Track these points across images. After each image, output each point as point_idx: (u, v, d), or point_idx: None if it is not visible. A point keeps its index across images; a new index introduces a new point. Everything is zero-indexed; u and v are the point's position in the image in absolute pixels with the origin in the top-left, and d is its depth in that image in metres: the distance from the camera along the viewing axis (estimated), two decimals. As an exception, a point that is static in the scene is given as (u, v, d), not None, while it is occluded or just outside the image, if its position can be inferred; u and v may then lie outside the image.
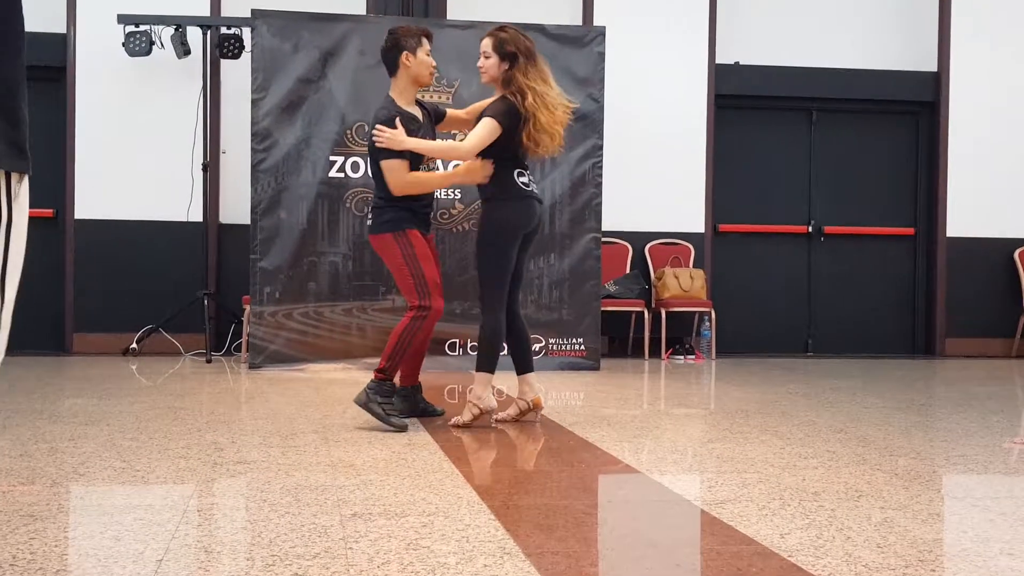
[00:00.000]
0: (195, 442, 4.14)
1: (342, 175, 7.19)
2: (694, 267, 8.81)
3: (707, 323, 8.60)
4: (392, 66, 4.66)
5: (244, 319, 7.64)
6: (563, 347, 7.43)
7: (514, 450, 4.12)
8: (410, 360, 4.75)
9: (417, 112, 4.75)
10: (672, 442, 4.47)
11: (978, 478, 3.75)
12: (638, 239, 8.91)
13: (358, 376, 6.72)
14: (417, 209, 4.66)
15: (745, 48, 9.19)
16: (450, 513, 2.99)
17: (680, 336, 8.75)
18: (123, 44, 7.98)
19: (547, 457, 4.05)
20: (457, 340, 7.30)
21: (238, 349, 8.02)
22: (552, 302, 7.44)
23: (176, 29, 7.98)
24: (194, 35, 8.07)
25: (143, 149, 8.31)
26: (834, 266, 9.48)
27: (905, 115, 9.59)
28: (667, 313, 8.52)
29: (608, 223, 8.12)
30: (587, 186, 7.48)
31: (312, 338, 7.16)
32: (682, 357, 8.53)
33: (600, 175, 7.50)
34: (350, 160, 7.21)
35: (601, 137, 7.51)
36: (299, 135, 7.15)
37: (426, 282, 4.52)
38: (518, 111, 4.48)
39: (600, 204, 7.52)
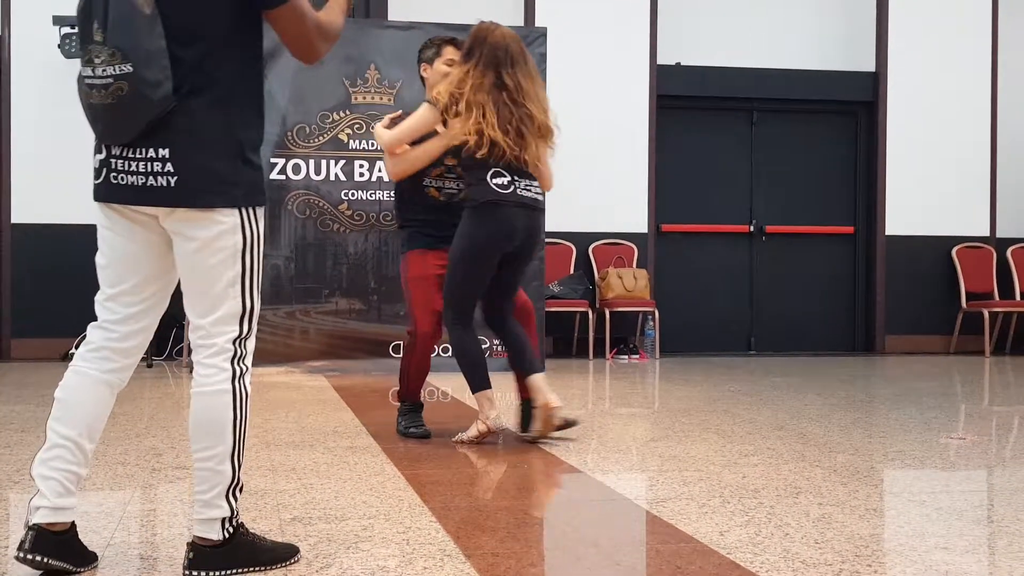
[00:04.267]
0: (133, 448, 4.07)
1: (283, 177, 7.13)
2: (637, 267, 8.86)
3: (651, 323, 8.65)
4: (420, 79, 4.66)
5: (185, 323, 7.53)
6: (508, 348, 7.42)
7: (456, 452, 4.11)
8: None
9: None
10: (615, 441, 4.49)
11: (915, 473, 3.82)
12: (582, 240, 8.94)
13: (301, 379, 6.67)
14: (425, 227, 4.43)
15: (686, 49, 9.26)
16: (391, 516, 2.97)
17: (624, 336, 8.79)
18: (59, 46, 7.82)
19: (490, 458, 4.05)
20: (401, 342, 7.25)
21: (179, 354, 7.90)
22: (497, 303, 7.42)
23: (113, 29, 7.83)
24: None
25: (81, 152, 8.04)
26: (775, 265, 9.59)
27: (844, 115, 9.73)
28: (611, 313, 8.56)
29: (552, 224, 8.12)
30: (531, 187, 7.47)
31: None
32: (626, 357, 8.57)
33: (544, 176, 7.50)
34: (291, 162, 7.14)
35: (545, 138, 7.51)
36: (240, 136, 7.06)
37: (413, 307, 4.40)
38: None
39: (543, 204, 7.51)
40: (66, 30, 7.81)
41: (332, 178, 7.21)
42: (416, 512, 3.02)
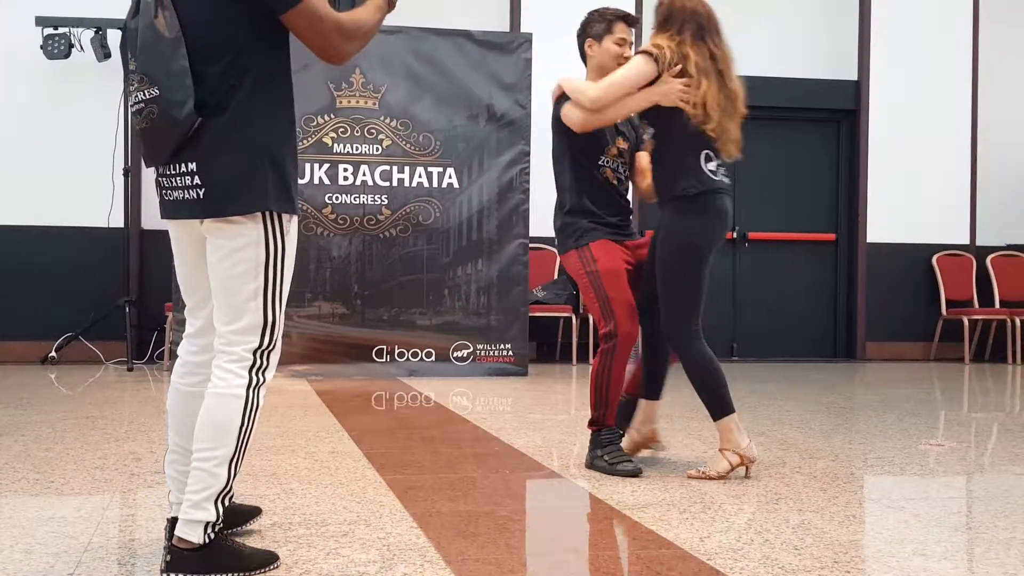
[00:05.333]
0: (113, 452, 4.05)
1: (267, 180, 7.10)
2: (622, 273, 8.87)
3: (634, 328, 8.65)
4: (581, 54, 4.11)
5: (166, 326, 7.50)
6: (491, 353, 7.43)
7: (439, 457, 4.11)
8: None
9: None
10: (597, 447, 4.48)
11: (894, 480, 3.84)
12: (566, 245, 8.92)
13: (283, 383, 6.64)
14: (603, 217, 3.92)
15: (671, 56, 9.27)
16: (371, 521, 2.96)
17: (608, 341, 8.79)
18: (41, 47, 7.79)
19: (472, 464, 4.04)
20: (384, 347, 7.26)
21: (161, 357, 7.86)
22: (480, 308, 7.44)
23: (96, 31, 7.81)
24: (115, 37, 7.90)
25: (63, 154, 8.11)
26: (758, 271, 9.62)
27: (827, 123, 9.78)
28: (595, 318, 8.54)
29: (536, 229, 8.14)
30: (514, 192, 7.50)
31: (237, 345, 7.05)
32: (610, 362, 8.56)
33: (527, 181, 7.52)
34: (275, 165, 7.12)
35: (528, 143, 7.54)
36: (223, 139, 7.04)
37: (610, 303, 3.82)
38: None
39: (528, 210, 7.54)
40: (49, 31, 7.78)
41: (316, 182, 7.20)
42: (397, 518, 3.01)
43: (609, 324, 3.82)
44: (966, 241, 9.69)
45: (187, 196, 2.39)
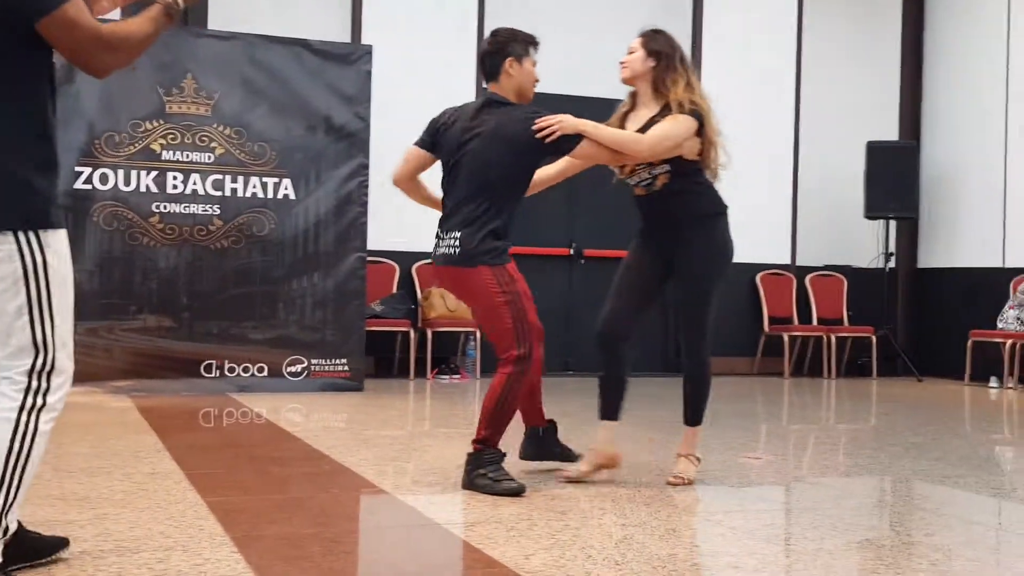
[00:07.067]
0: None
1: (89, 187, 6.79)
2: (460, 287, 8.90)
3: (472, 343, 8.70)
4: (493, 71, 4.04)
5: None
6: (326, 368, 7.30)
7: (265, 477, 4.01)
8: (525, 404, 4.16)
9: None
10: (431, 464, 4.47)
11: (714, 492, 3.96)
12: (405, 259, 8.91)
13: (103, 400, 6.35)
14: (510, 240, 4.03)
15: (511, 74, 9.39)
16: (189, 547, 2.86)
17: (445, 356, 8.81)
18: None
19: (301, 484, 3.96)
20: (214, 362, 7.03)
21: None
22: (315, 322, 7.30)
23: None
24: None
25: None
26: (593, 287, 9.80)
27: (659, 145, 10.09)
28: (433, 333, 8.56)
29: (375, 243, 8.08)
30: (352, 205, 7.41)
31: (54, 359, 6.70)
32: (447, 377, 8.58)
33: (366, 194, 7.46)
34: (98, 171, 6.82)
35: (367, 156, 7.47)
36: (43, 143, 6.70)
37: (528, 326, 3.82)
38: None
39: (365, 223, 7.46)
40: None
41: (143, 189, 6.93)
42: (216, 542, 2.92)
43: (523, 347, 3.79)
44: (788, 261, 10.17)
45: None
